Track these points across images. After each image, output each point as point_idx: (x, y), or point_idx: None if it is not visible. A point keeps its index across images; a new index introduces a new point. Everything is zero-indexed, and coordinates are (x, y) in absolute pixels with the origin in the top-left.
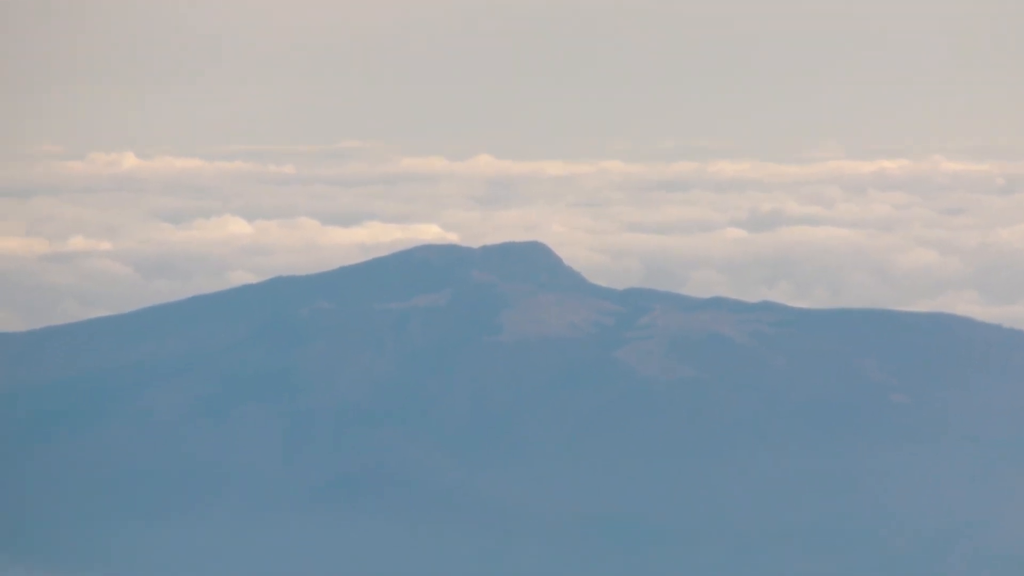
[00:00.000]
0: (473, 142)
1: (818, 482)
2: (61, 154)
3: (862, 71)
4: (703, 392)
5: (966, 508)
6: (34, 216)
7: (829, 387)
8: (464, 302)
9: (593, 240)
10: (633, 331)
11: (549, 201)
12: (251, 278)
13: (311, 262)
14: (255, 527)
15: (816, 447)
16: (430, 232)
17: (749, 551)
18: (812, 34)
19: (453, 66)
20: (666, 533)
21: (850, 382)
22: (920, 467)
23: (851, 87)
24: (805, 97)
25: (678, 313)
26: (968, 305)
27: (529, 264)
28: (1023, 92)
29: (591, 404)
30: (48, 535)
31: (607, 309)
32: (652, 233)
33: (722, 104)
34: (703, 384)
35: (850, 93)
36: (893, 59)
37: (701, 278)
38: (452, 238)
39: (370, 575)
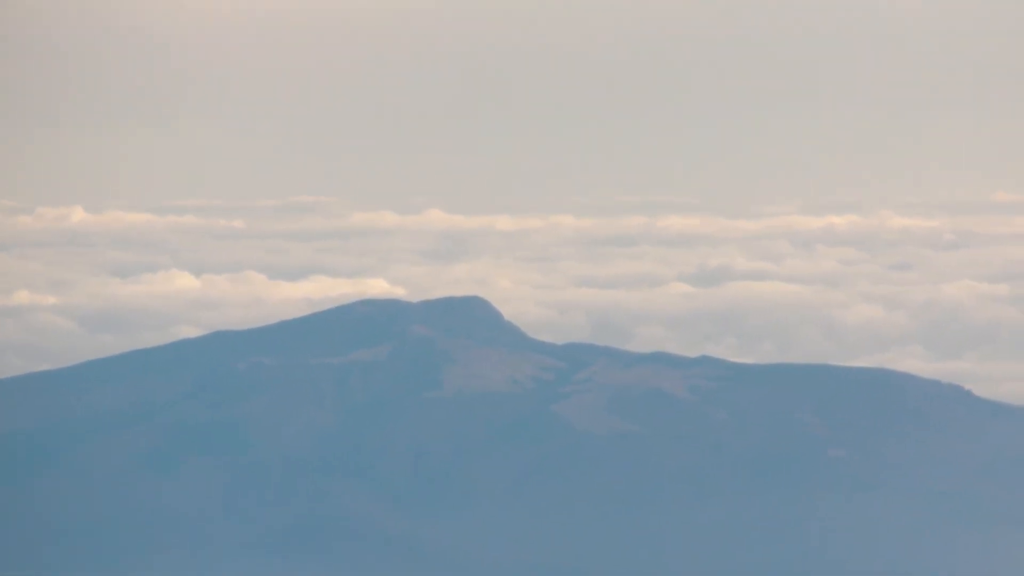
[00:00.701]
0: (424, 197)
1: (755, 535)
2: (10, 208)
3: (816, 126)
4: (642, 446)
5: (900, 560)
6: None
7: (767, 441)
8: (404, 357)
9: (540, 295)
10: (572, 386)
11: (498, 256)
12: (196, 332)
13: (257, 316)
14: None
15: (754, 501)
16: (377, 286)
17: None
18: (768, 89)
19: (405, 121)
20: None
21: (788, 436)
22: (856, 520)
23: (805, 142)
24: (759, 152)
25: (618, 368)
26: (913, 360)
27: (469, 319)
28: (975, 148)
29: (529, 458)
30: None
31: (547, 364)
32: (599, 288)
33: (676, 159)
34: (642, 438)
35: (804, 148)
36: (848, 114)
37: (647, 333)
38: (399, 292)
39: None
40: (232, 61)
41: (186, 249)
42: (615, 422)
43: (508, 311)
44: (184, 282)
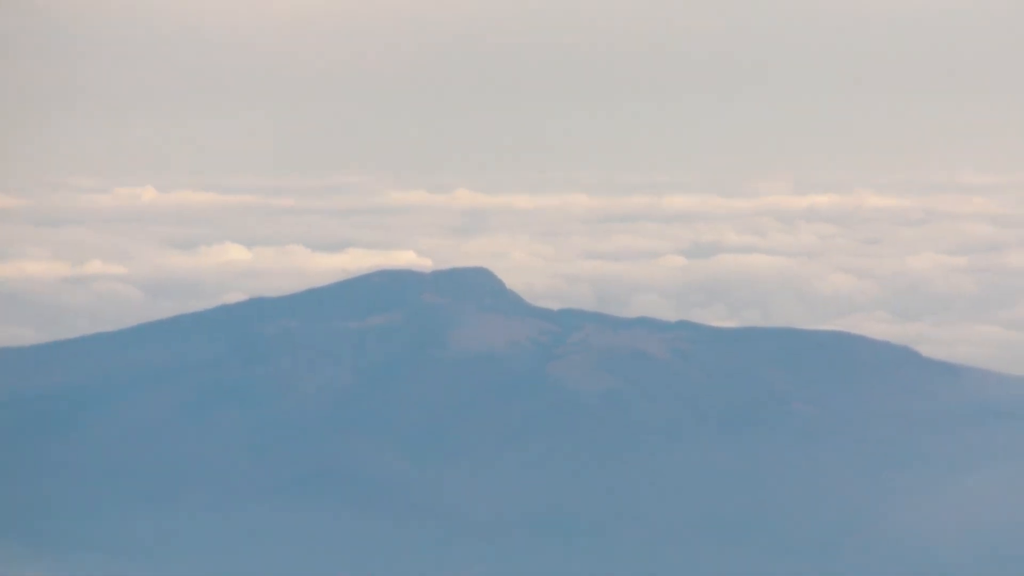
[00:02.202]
0: (453, 177)
1: (727, 480)
2: (90, 188)
3: (807, 115)
4: (626, 401)
5: (854, 502)
6: (61, 243)
7: (738, 396)
8: (415, 321)
9: (550, 266)
10: (565, 348)
11: (515, 231)
12: (241, 298)
13: (297, 285)
14: (227, 517)
15: (725, 449)
16: (405, 258)
17: (664, 541)
18: (766, 82)
19: (440, 108)
20: (591, 525)
21: (757, 392)
22: (814, 466)
23: (796, 129)
24: (756, 138)
25: (606, 331)
26: (878, 324)
27: (475, 288)
28: (945, 134)
29: (526, 412)
30: (54, 521)
31: (543, 328)
32: (603, 260)
33: (682, 144)
34: (626, 394)
35: (795, 135)
36: (836, 104)
37: (643, 301)
38: (426, 263)
39: (327, 560)
40: (288, 56)
41: (240, 225)
42: (603, 380)
43: (520, 281)
44: (237, 254)
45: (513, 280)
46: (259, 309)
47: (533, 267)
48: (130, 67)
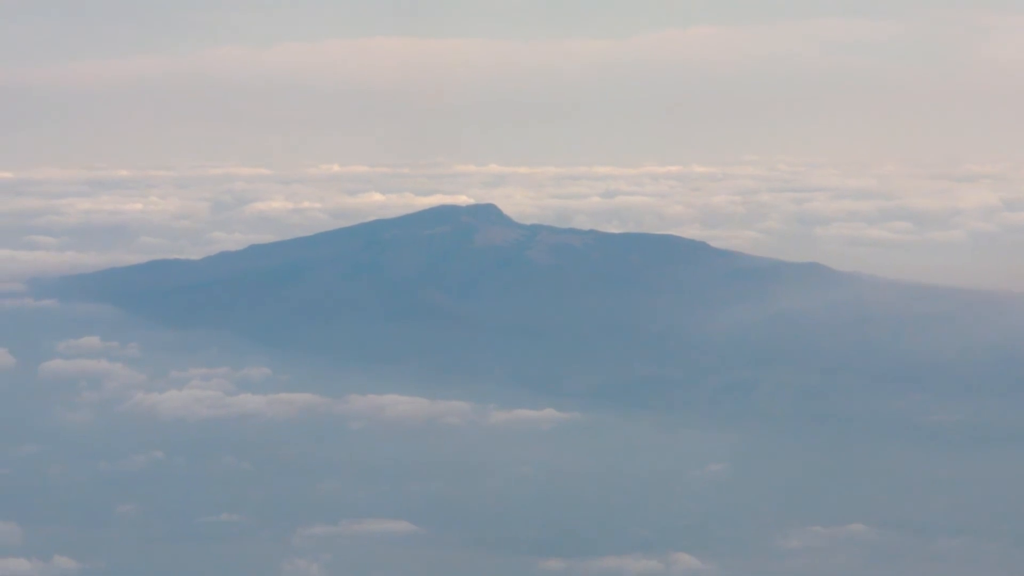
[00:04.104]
0: (488, 157)
1: (613, 309)
2: (306, 164)
3: (665, 126)
4: (562, 271)
5: (669, 321)
6: (289, 192)
7: (618, 267)
8: (457, 231)
9: (531, 202)
10: (533, 243)
11: (519, 185)
12: (375, 219)
13: (405, 212)
14: (360, 331)
15: (612, 295)
16: (461, 199)
17: (580, 341)
18: (641, 113)
19: (480, 125)
20: (546, 332)
21: (628, 264)
22: (652, 303)
23: (662, 133)
24: (642, 138)
25: (554, 235)
26: (693, 231)
27: (487, 213)
28: (735, 130)
29: (513, 277)
30: (273, 329)
31: (522, 233)
32: (559, 199)
33: (603, 140)
34: (563, 267)
35: (661, 137)
36: (680, 121)
37: (578, 220)
38: (470, 201)
39: (411, 352)
40: (400, 94)
41: (379, 183)
42: (551, 260)
43: (513, 210)
44: (377, 198)
45: (509, 209)
46: (382, 225)
47: (522, 202)
48: (327, 106)
